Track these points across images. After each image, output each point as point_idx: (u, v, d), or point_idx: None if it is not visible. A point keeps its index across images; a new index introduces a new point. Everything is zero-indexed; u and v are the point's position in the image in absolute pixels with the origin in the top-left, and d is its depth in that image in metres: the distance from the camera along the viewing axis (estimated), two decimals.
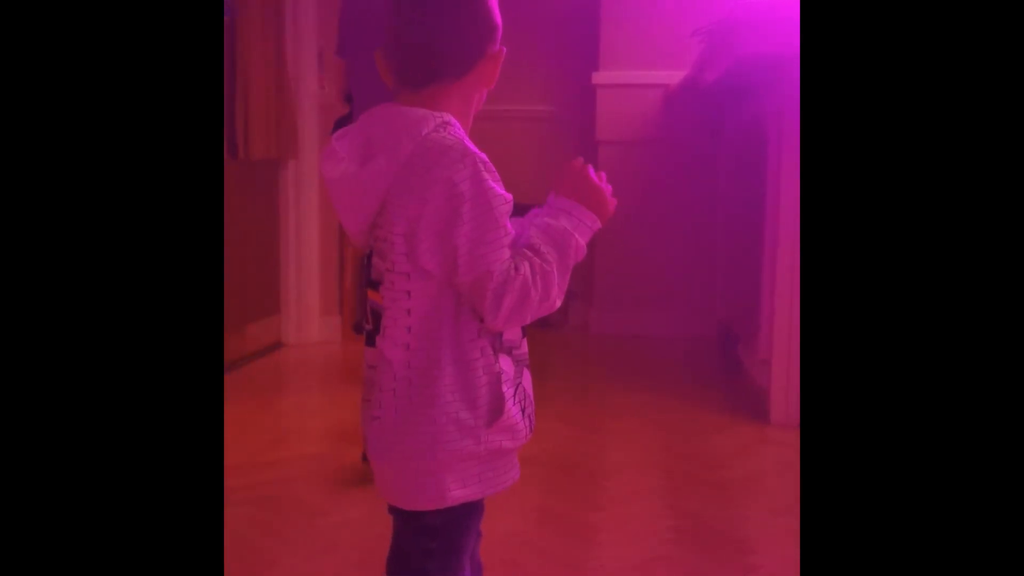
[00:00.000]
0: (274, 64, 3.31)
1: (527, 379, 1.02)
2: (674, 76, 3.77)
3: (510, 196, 0.95)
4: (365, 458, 1.84)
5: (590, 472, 2.22)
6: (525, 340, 1.04)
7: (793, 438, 2.39)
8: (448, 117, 0.96)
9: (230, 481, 2.10)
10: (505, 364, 0.99)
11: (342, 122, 2.41)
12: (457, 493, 0.98)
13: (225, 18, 3.03)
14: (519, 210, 1.04)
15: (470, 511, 1.01)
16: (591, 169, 1.01)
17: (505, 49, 1.01)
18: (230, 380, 3.09)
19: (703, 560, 1.71)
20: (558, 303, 0.97)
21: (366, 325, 1.03)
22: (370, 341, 1.02)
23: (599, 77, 3.91)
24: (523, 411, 1.00)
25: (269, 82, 3.27)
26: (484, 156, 0.94)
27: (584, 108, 4.03)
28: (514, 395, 0.99)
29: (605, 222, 1.00)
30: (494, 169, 0.94)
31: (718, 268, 3.86)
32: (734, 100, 3.45)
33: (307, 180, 3.58)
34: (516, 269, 0.93)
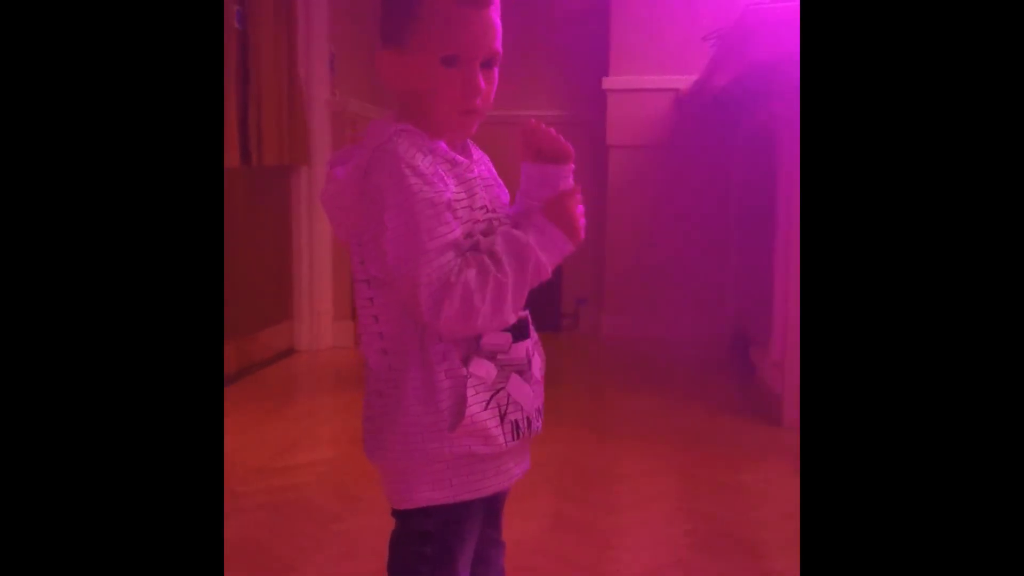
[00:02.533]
0: (286, 71, 3.33)
1: (515, 385, 0.99)
2: (685, 80, 3.78)
3: (444, 197, 0.91)
4: None
5: (604, 476, 2.22)
6: (521, 345, 1.00)
7: None
8: (404, 126, 0.95)
9: (244, 486, 2.11)
10: (480, 368, 0.96)
11: None
12: (425, 495, 0.98)
13: (237, 26, 3.05)
14: None
15: (463, 517, 1.00)
16: (577, 193, 0.99)
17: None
18: (243, 386, 3.10)
19: (720, 564, 1.71)
20: (511, 319, 0.94)
21: None
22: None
23: (609, 82, 3.92)
24: (502, 417, 0.97)
25: (281, 89, 3.29)
26: (418, 161, 0.91)
27: (595, 113, 4.03)
28: (489, 400, 0.96)
29: (577, 247, 0.98)
30: (427, 172, 0.91)
31: (730, 271, 3.86)
32: (745, 104, 3.44)
33: (319, 186, 3.59)
34: (458, 274, 0.91)
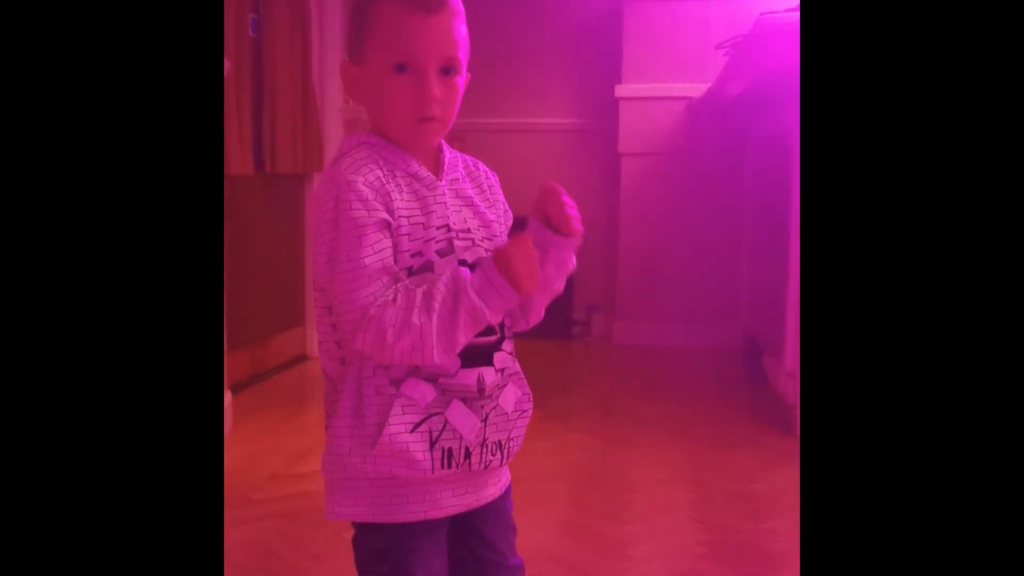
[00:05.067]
0: (300, 79, 3.35)
1: (456, 411, 0.94)
2: (697, 89, 3.78)
3: (375, 217, 0.90)
4: None
5: (616, 485, 2.21)
6: (471, 371, 0.95)
7: None
8: (368, 138, 0.96)
9: (257, 493, 2.11)
10: (413, 389, 0.93)
11: None
12: (345, 510, 0.97)
13: (252, 34, 3.07)
14: (518, 224, 1.03)
15: (414, 535, 0.97)
16: (530, 237, 0.93)
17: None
18: (255, 392, 3.11)
19: (733, 574, 1.70)
20: (438, 357, 0.90)
21: None
22: None
23: (622, 90, 3.92)
24: (432, 443, 0.93)
25: (295, 96, 3.30)
26: (359, 177, 0.91)
27: (607, 121, 4.04)
28: (418, 423, 0.93)
29: (523, 296, 0.92)
30: (363, 190, 0.90)
31: (743, 280, 3.85)
32: (758, 113, 3.44)
33: None
34: (380, 308, 0.89)
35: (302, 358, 3.63)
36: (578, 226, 0.98)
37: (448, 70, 0.94)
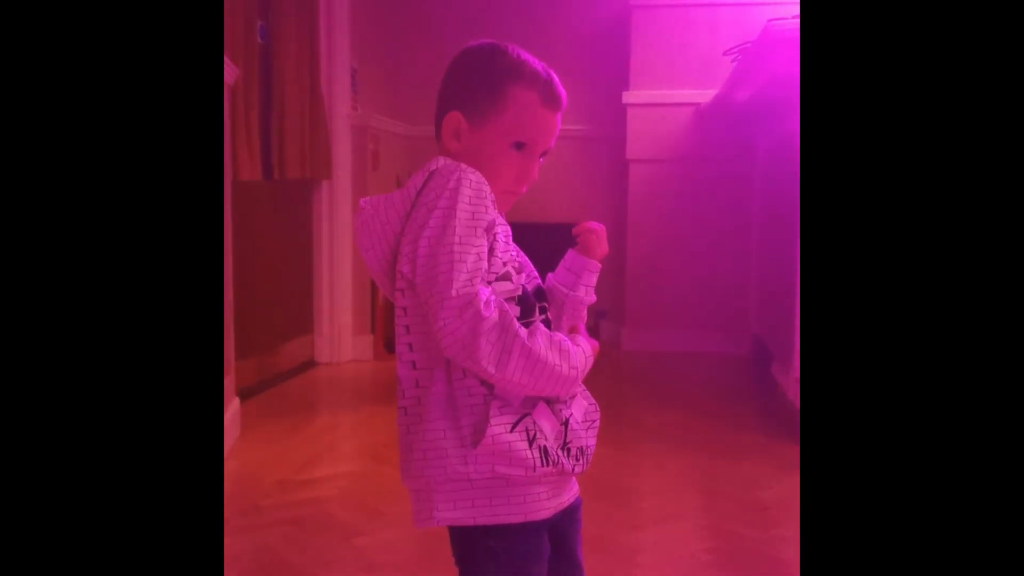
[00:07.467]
0: (308, 85, 3.36)
1: (541, 413, 0.98)
2: (704, 95, 3.78)
3: (487, 218, 0.95)
4: None
5: (625, 492, 2.21)
6: None
7: None
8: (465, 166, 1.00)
9: (266, 500, 2.12)
10: (506, 391, 0.95)
11: None
12: (445, 515, 0.96)
13: (260, 41, 3.08)
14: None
15: (525, 532, 0.98)
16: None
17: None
18: (264, 399, 3.11)
19: None
20: (502, 382, 0.93)
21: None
22: None
23: (629, 96, 3.92)
24: (530, 441, 0.96)
25: (303, 103, 3.31)
26: (483, 187, 0.96)
27: (615, 127, 4.04)
28: (515, 423, 0.95)
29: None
30: (484, 194, 0.95)
31: (751, 286, 3.84)
32: (766, 118, 3.44)
33: (340, 200, 3.62)
34: (485, 305, 0.90)
35: (311, 364, 3.64)
36: (602, 248, 1.15)
37: (544, 154, 1.07)
